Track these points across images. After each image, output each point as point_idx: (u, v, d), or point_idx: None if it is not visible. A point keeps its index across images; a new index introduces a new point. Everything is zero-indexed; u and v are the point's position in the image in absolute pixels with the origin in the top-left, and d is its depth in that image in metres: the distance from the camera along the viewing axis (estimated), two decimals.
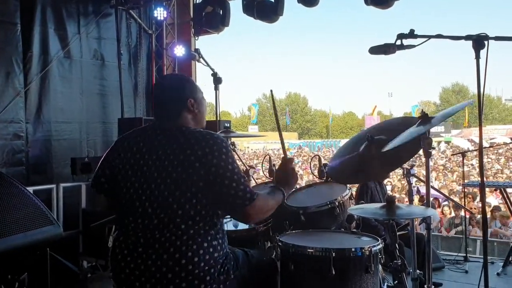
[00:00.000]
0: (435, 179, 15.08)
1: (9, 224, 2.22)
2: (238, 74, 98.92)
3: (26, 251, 2.39)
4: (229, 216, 3.02)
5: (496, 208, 8.78)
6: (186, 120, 2.12)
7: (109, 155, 2.13)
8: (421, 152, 2.62)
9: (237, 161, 2.06)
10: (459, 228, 8.18)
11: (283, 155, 2.32)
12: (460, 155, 6.43)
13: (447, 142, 34.59)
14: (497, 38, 2.19)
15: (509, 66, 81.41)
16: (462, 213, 8.41)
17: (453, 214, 9.05)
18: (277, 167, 2.35)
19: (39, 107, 5.38)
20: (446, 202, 9.66)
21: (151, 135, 2.05)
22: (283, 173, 2.27)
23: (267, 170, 3.45)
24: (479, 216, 8.62)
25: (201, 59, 3.63)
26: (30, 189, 4.31)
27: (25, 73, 5.21)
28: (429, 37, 2.28)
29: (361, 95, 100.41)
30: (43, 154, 5.42)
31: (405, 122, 2.89)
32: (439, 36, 2.28)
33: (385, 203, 2.55)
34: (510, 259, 5.01)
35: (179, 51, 6.53)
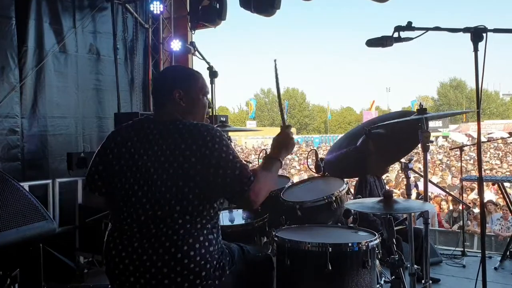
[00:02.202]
0: (433, 174, 15.07)
1: (0, 219, 2.20)
2: (236, 69, 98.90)
3: (19, 247, 2.37)
4: (225, 209, 3.00)
5: (490, 201, 8.78)
6: (173, 113, 2.04)
7: (101, 151, 2.09)
8: (419, 146, 2.62)
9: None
10: (461, 223, 8.18)
11: (282, 124, 2.26)
12: (458, 149, 6.41)
13: (445, 137, 34.66)
14: (496, 30, 2.17)
15: (506, 61, 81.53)
16: (460, 207, 8.44)
17: (451, 208, 9.05)
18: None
19: (35, 102, 5.33)
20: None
21: (145, 129, 2.01)
22: (283, 139, 2.19)
23: None
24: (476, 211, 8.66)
25: (196, 52, 3.59)
26: (26, 184, 4.31)
27: (20, 67, 5.15)
28: (427, 29, 2.26)
29: (359, 90, 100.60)
30: (39, 149, 5.37)
31: (402, 116, 2.88)
32: (437, 28, 2.26)
33: (382, 198, 2.54)
34: (508, 253, 5.01)
35: (176, 45, 6.48)
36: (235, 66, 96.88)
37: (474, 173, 13.48)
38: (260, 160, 3.44)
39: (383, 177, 5.10)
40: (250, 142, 39.56)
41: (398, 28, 2.26)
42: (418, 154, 16.63)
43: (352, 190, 4.11)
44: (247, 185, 1.88)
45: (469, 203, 9.09)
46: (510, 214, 7.58)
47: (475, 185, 9.98)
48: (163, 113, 2.05)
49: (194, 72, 2.21)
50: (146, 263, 1.86)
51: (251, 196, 1.88)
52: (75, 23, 5.79)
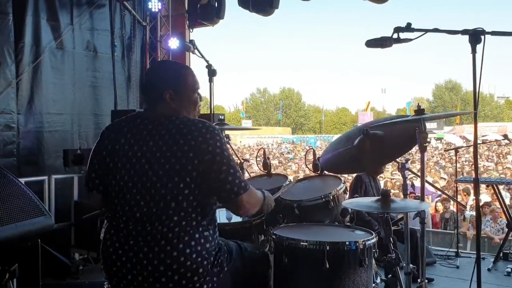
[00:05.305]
0: (428, 175, 15.12)
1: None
2: (233, 68, 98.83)
3: (17, 242, 2.37)
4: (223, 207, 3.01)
5: (486, 204, 8.81)
6: (166, 112, 2.01)
7: (96, 149, 2.08)
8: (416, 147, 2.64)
9: (232, 154, 2.04)
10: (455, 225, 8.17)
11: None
12: (452, 151, 6.45)
13: (439, 139, 34.82)
14: (494, 33, 2.18)
15: (501, 63, 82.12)
16: (453, 208, 8.46)
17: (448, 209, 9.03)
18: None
19: (31, 98, 5.32)
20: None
21: (139, 125, 2.00)
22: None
23: (261, 164, 3.44)
24: (467, 213, 8.67)
25: (195, 51, 3.59)
26: (22, 180, 4.28)
27: (17, 63, 5.14)
28: (426, 31, 2.27)
29: (354, 91, 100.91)
30: (35, 146, 5.36)
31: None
32: (435, 30, 2.28)
33: (379, 197, 2.55)
34: (501, 254, 5.05)
35: (173, 43, 6.47)
36: (231, 65, 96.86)
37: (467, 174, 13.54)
38: (259, 159, 3.46)
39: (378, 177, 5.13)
40: (246, 142, 39.57)
41: (397, 29, 2.27)
42: (412, 155, 16.71)
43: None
44: (244, 189, 1.93)
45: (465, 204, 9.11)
46: (499, 217, 7.62)
47: (469, 186, 10.03)
48: (156, 110, 2.03)
49: (184, 69, 2.17)
50: (143, 261, 1.86)
51: (244, 201, 1.94)
52: (72, 20, 5.78)
